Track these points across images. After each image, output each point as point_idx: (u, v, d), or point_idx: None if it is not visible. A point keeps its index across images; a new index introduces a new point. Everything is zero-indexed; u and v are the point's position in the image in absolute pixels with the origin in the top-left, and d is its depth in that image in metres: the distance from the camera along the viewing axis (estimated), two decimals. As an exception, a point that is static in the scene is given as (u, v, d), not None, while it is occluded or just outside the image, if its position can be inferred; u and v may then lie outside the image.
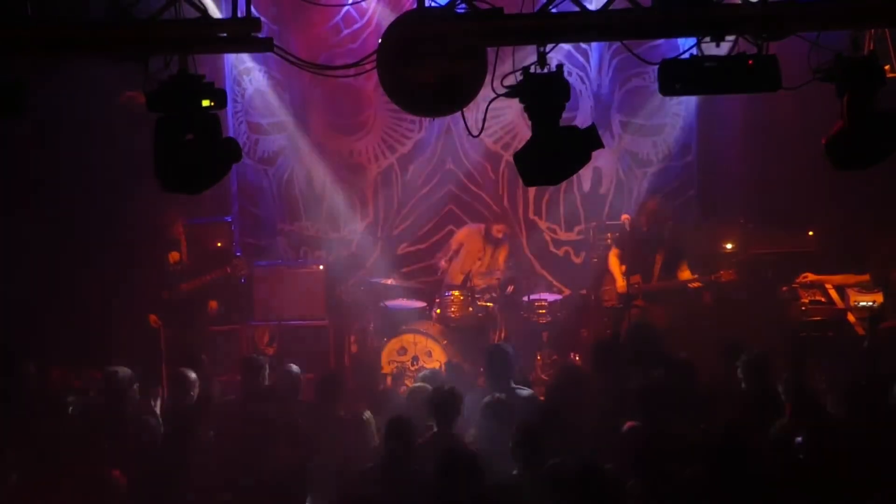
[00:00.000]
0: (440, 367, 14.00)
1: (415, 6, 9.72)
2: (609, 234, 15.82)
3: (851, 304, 14.02)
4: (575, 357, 15.52)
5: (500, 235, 16.11)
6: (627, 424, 9.55)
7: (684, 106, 16.77)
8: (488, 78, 9.26)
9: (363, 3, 16.40)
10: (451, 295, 15.47)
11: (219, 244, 16.10)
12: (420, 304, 15.93)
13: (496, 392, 10.73)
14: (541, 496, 8.51)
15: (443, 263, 16.24)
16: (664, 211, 14.86)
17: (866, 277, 13.87)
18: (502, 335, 15.58)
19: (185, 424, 10.50)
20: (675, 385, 10.32)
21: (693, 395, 10.37)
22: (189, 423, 10.53)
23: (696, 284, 14.48)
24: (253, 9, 9.04)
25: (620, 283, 14.40)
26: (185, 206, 15.89)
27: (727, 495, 8.17)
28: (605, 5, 9.18)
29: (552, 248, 17.26)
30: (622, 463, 8.88)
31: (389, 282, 15.94)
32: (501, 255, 16.07)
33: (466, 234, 16.27)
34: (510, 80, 9.10)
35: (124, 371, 11.20)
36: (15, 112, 9.07)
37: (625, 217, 14.93)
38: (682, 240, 14.69)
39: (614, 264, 14.73)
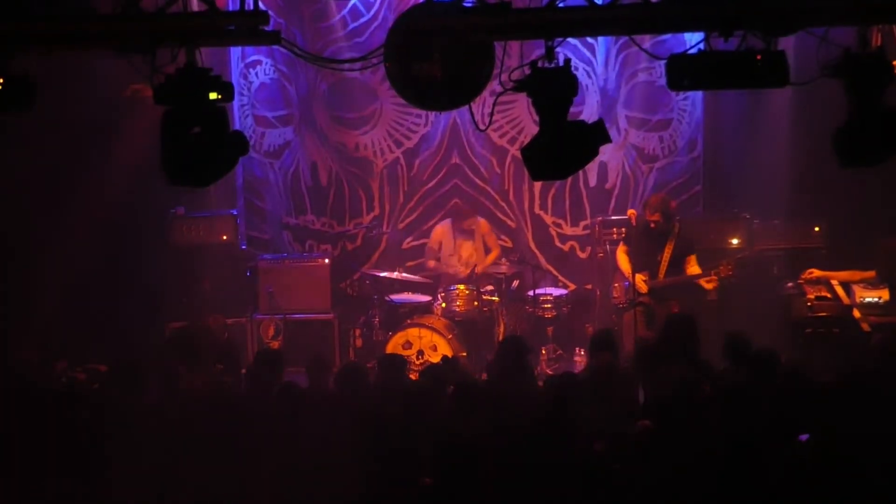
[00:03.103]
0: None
1: (422, 0, 9.71)
2: (616, 230, 15.77)
3: (857, 300, 14.01)
4: (580, 352, 15.50)
5: (469, 228, 16.12)
6: (641, 423, 9.50)
7: (691, 101, 16.76)
8: (495, 72, 9.26)
9: (370, -4, 16.52)
10: (456, 289, 15.46)
11: (224, 237, 16.12)
12: (425, 298, 15.91)
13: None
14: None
15: (431, 263, 16.23)
16: (671, 204, 14.77)
17: (872, 273, 13.84)
18: (507, 329, 15.57)
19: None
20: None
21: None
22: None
23: (707, 285, 14.34)
24: (260, 2, 9.04)
25: (638, 282, 14.32)
26: (190, 199, 15.96)
27: (734, 493, 8.15)
28: (613, 0, 9.17)
29: (557, 243, 17.24)
30: (633, 461, 8.86)
31: (394, 276, 15.92)
32: (479, 244, 16.10)
33: (442, 233, 16.28)
34: (517, 75, 9.09)
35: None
36: (24, 106, 9.08)
37: (630, 212, 14.91)
38: (691, 234, 14.64)
39: (623, 261, 14.67)
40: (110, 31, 8.94)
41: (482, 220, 16.40)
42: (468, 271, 15.82)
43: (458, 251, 16.10)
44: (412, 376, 13.58)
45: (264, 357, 12.07)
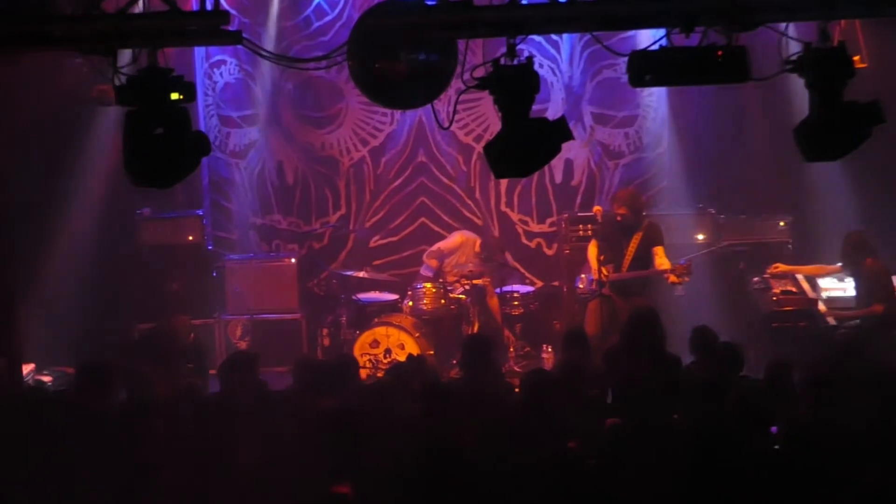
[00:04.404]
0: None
1: (385, -2, 9.71)
2: (582, 227, 15.76)
3: (822, 294, 14.10)
4: (547, 349, 15.50)
5: (491, 258, 16.10)
6: (609, 421, 9.51)
7: (656, 97, 16.80)
8: (459, 70, 9.27)
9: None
10: (424, 287, 15.45)
11: (190, 238, 16.10)
12: (392, 296, 15.92)
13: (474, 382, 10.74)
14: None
15: (433, 262, 16.11)
16: (639, 199, 14.76)
17: (837, 268, 13.91)
18: (475, 327, 15.58)
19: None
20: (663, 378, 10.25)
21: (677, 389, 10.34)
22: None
23: (672, 279, 14.25)
24: (222, 1, 9.03)
25: (594, 267, 14.31)
26: (157, 199, 15.90)
27: (702, 486, 8.17)
28: (575, -3, 9.20)
29: (524, 240, 17.27)
30: (605, 458, 8.87)
31: (362, 274, 15.90)
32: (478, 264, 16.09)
33: (462, 242, 16.20)
34: (480, 73, 9.10)
35: None
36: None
37: (596, 209, 14.91)
38: (657, 228, 14.62)
39: (592, 254, 14.61)
40: (71, 31, 8.90)
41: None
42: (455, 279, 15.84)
43: (464, 265, 16.04)
44: (378, 374, 13.61)
45: (238, 359, 11.99)
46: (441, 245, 16.25)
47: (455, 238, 16.31)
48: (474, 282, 15.78)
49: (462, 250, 16.13)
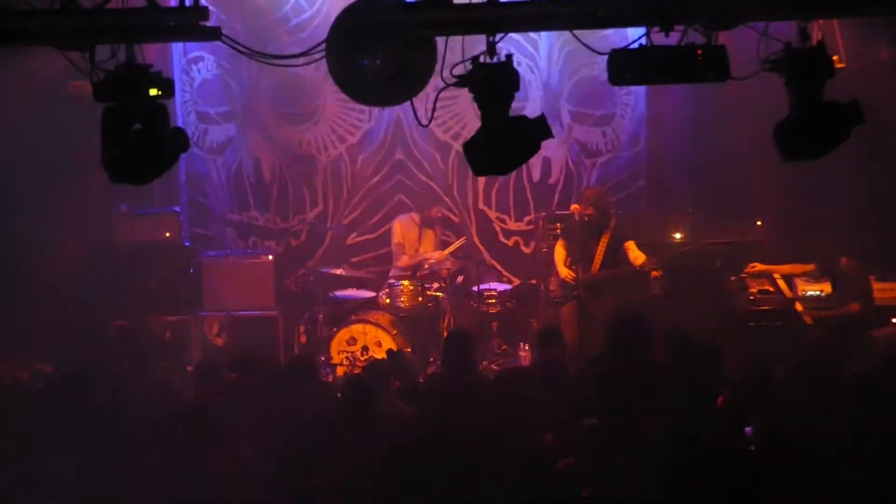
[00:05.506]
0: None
1: (364, -5, 9.68)
2: (560, 225, 15.71)
3: (799, 293, 14.13)
4: (524, 347, 15.51)
5: (438, 215, 16.15)
6: (587, 422, 9.51)
7: (634, 96, 16.81)
8: (438, 67, 9.25)
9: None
10: (401, 285, 15.44)
11: (167, 235, 16.05)
12: (369, 293, 15.91)
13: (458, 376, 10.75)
14: None
15: (404, 260, 16.09)
16: (606, 198, 14.77)
17: (813, 267, 13.95)
18: (452, 325, 15.57)
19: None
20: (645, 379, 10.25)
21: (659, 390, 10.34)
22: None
23: (654, 273, 14.22)
24: (202, -3, 9.00)
25: (563, 272, 14.34)
26: (133, 196, 15.84)
27: (680, 486, 8.18)
28: (554, -5, 9.19)
29: (502, 238, 17.26)
30: (581, 458, 8.88)
31: (339, 272, 15.88)
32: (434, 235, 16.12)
33: (401, 227, 16.21)
34: (459, 70, 9.09)
35: None
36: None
37: (574, 207, 14.92)
38: (628, 227, 14.61)
39: (559, 255, 14.62)
40: (48, 27, 8.86)
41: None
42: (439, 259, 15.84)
43: (420, 244, 16.03)
44: (356, 371, 13.59)
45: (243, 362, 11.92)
46: (392, 242, 16.31)
47: (395, 228, 16.34)
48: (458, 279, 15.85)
49: (407, 234, 16.16)
